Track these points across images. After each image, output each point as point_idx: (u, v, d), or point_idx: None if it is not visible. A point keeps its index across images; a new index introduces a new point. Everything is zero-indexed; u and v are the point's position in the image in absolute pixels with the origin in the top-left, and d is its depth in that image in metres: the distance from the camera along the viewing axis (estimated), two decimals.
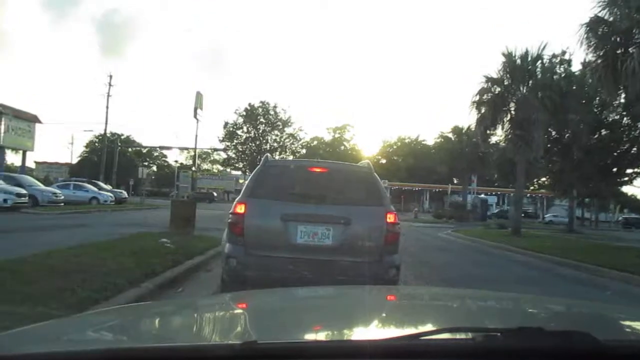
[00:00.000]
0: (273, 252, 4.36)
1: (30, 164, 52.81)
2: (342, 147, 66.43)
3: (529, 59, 21.97)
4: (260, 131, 61.21)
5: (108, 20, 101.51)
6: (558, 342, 1.13)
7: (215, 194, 57.27)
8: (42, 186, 25.05)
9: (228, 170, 71.23)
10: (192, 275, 7.21)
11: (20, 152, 32.71)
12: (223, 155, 66.45)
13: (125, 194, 35.54)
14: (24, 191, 20.62)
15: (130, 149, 65.38)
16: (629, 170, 28.03)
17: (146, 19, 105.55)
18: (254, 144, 61.13)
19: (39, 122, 33.27)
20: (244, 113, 61.07)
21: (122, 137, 62.73)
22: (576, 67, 24.48)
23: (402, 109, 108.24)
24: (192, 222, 11.79)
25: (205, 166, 72.50)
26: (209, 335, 1.43)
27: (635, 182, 29.07)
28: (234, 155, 62.90)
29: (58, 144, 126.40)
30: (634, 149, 25.54)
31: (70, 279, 5.19)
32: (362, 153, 66.02)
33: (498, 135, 24.58)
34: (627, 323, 1.75)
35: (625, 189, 41.59)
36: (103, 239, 9.24)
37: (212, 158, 72.79)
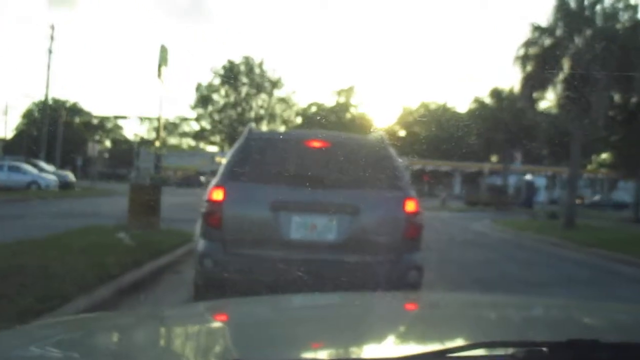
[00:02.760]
0: (260, 250, 4.31)
1: None
2: (349, 116, 64.62)
3: (586, 2, 21.69)
4: (243, 95, 59.52)
5: None
6: (616, 356, 1.14)
7: (202, 178, 54.47)
8: None
9: (201, 145, 69.83)
10: (158, 278, 7.17)
11: None
12: (195, 126, 65.37)
13: (71, 176, 35.14)
14: None
15: (77, 119, 63.75)
16: None
17: None
18: (234, 112, 59.29)
19: None
20: (222, 72, 59.85)
21: (68, 105, 61.21)
22: None
23: (424, 69, 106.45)
24: (157, 212, 11.77)
25: (173, 141, 70.80)
26: (179, 355, 1.42)
27: None
28: (208, 126, 61.46)
29: None
30: None
31: (6, 284, 5.13)
32: (374, 123, 65.44)
33: (548, 100, 24.48)
34: None
35: None
36: (46, 234, 9.11)
37: (181, 130, 71.38)
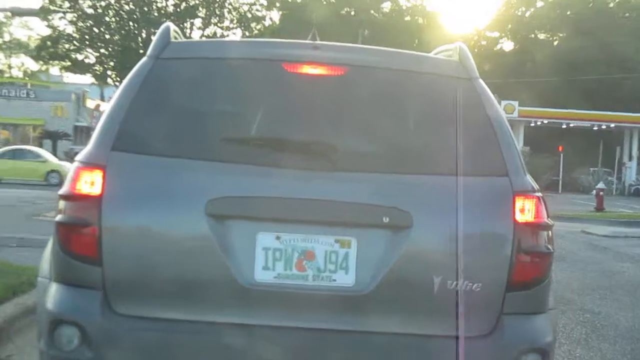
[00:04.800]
0: (185, 309, 3.15)
1: None
2: (393, 12, 44.30)
3: None
4: None
5: None
6: None
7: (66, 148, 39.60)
8: None
9: (63, 75, 48.74)
10: None
11: None
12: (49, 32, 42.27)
13: None
14: None
15: None
16: None
17: None
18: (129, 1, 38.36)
19: None
20: None
21: None
22: None
23: None
24: None
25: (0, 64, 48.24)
26: None
27: None
28: (75, 34, 41.02)
29: None
30: None
31: None
32: (447, 31, 45.13)
33: None
34: None
35: None
36: None
37: (24, 43, 47.16)
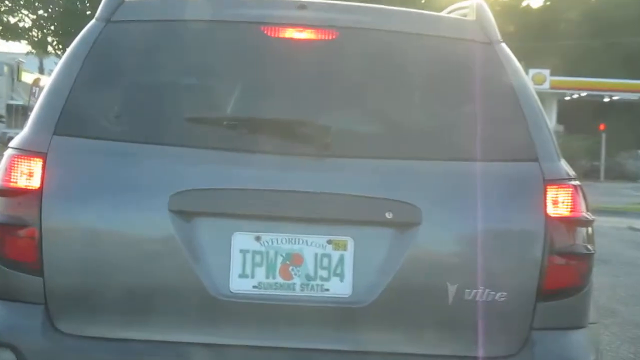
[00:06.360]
0: (146, 326, 3.26)
1: None
2: None
3: None
4: None
5: None
6: None
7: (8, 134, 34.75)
8: None
9: None
10: None
11: None
12: None
13: None
14: None
15: None
16: None
17: None
18: None
19: None
20: None
21: None
22: None
23: None
24: None
25: None
26: None
27: None
28: None
29: None
30: None
31: None
32: None
33: None
34: None
35: None
36: None
37: None
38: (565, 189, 3.35)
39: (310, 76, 3.60)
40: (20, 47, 46.88)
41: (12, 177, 3.25)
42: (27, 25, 42.25)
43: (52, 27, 42.33)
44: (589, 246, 3.37)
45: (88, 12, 33.06)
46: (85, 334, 3.25)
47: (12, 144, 3.45)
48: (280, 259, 3.18)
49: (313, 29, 3.57)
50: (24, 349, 3.25)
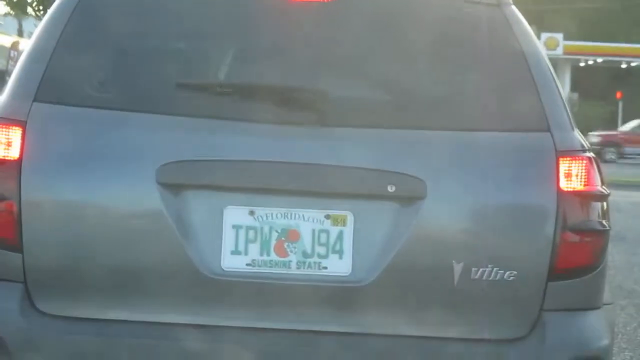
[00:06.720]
0: (132, 307, 3.33)
1: None
2: None
3: None
4: None
5: None
6: None
7: None
8: None
9: None
10: None
11: None
12: None
13: None
14: None
15: None
16: None
17: None
18: None
19: None
20: None
21: None
22: None
23: None
24: None
25: None
26: None
27: None
28: None
29: None
30: None
31: None
32: None
33: None
34: None
35: None
36: None
37: None
38: (579, 161, 3.34)
39: (307, 39, 3.60)
40: None
41: None
42: None
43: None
44: (604, 222, 3.37)
45: None
46: (67, 314, 3.27)
47: None
48: (275, 235, 3.18)
49: None
50: (1, 330, 3.32)
